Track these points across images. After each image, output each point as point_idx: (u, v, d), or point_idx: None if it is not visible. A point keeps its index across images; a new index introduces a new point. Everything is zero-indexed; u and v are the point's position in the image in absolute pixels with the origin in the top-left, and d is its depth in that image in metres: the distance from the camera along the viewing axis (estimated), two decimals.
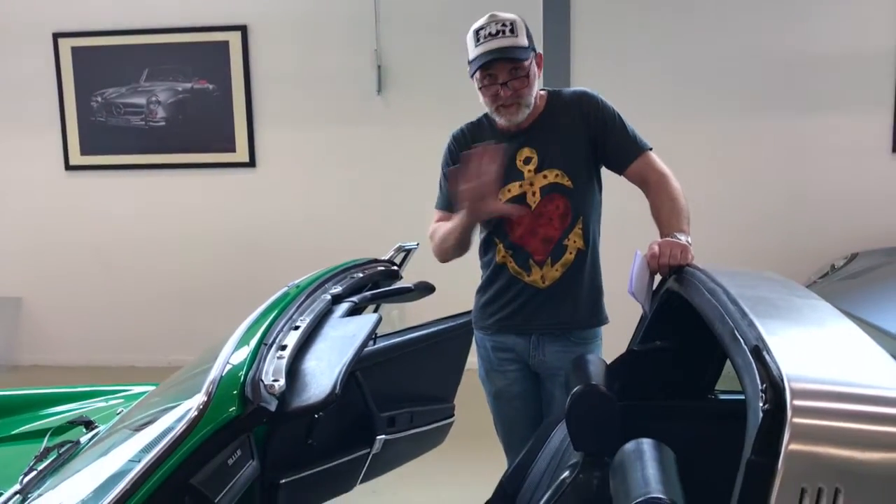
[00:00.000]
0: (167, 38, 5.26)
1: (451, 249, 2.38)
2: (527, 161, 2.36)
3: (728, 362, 1.95)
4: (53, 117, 5.40)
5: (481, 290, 2.51)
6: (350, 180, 5.26)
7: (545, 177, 2.35)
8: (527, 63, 2.26)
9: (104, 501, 1.25)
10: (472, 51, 2.27)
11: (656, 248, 2.03)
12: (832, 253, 4.57)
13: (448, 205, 2.45)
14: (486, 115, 2.44)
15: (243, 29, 5.18)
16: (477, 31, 2.26)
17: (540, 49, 2.43)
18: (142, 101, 5.34)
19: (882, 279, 4.08)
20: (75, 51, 5.34)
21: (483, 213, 2.24)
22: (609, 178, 2.46)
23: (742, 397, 1.25)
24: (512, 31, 2.23)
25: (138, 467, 1.28)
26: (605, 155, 2.39)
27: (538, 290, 2.38)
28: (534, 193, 2.35)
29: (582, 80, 4.77)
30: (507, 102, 2.27)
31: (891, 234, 4.66)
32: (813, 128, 4.89)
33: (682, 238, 2.09)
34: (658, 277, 2.06)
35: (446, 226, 2.37)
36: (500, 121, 2.33)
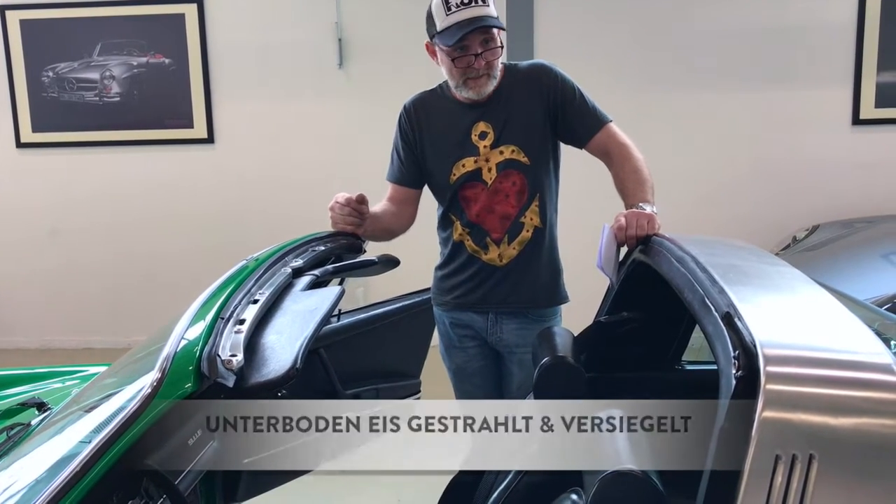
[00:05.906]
0: (120, 11, 5.11)
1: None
2: (482, 136, 2.31)
3: (694, 333, 1.95)
4: (3, 93, 5.24)
5: (440, 266, 2.48)
6: (310, 156, 5.17)
7: (501, 152, 2.30)
8: (498, 33, 2.20)
9: (53, 484, 1.19)
10: (443, 20, 2.15)
11: (623, 220, 1.99)
12: (793, 225, 4.61)
13: (398, 177, 2.43)
14: (441, 86, 2.38)
15: (199, 0, 5.04)
16: (447, 1, 2.15)
17: (503, 20, 2.38)
18: (95, 76, 5.19)
19: (841, 251, 4.13)
20: (24, 23, 5.16)
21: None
22: (567, 154, 2.42)
23: (708, 367, 1.23)
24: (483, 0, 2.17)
25: (88, 448, 1.22)
26: (564, 129, 2.34)
27: (496, 269, 2.35)
28: (489, 169, 2.30)
29: (545, 51, 4.73)
30: (479, 74, 2.20)
31: (851, 206, 4.71)
32: (774, 100, 4.92)
33: (648, 208, 2.06)
34: (625, 249, 2.04)
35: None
36: (469, 94, 2.25)
